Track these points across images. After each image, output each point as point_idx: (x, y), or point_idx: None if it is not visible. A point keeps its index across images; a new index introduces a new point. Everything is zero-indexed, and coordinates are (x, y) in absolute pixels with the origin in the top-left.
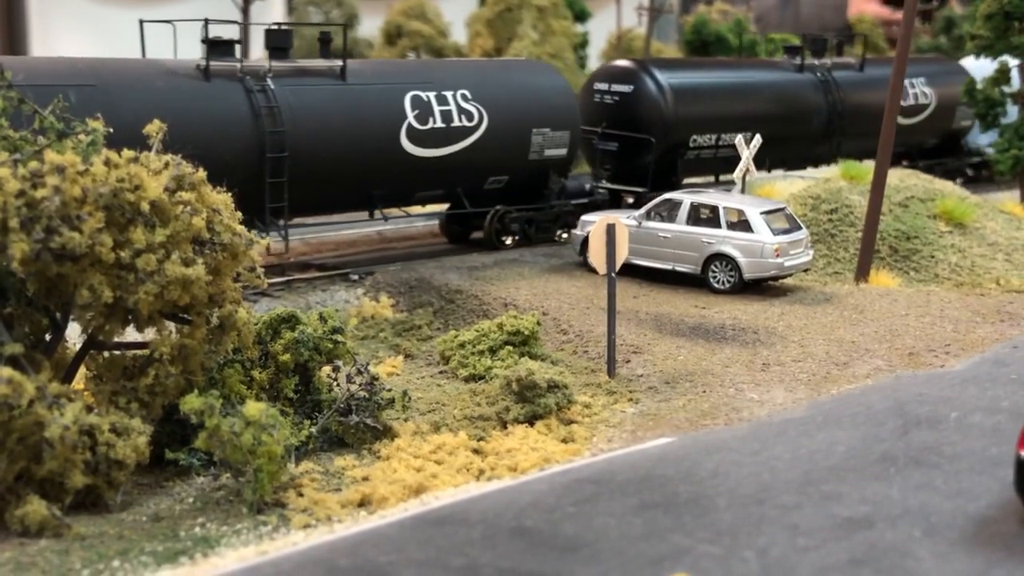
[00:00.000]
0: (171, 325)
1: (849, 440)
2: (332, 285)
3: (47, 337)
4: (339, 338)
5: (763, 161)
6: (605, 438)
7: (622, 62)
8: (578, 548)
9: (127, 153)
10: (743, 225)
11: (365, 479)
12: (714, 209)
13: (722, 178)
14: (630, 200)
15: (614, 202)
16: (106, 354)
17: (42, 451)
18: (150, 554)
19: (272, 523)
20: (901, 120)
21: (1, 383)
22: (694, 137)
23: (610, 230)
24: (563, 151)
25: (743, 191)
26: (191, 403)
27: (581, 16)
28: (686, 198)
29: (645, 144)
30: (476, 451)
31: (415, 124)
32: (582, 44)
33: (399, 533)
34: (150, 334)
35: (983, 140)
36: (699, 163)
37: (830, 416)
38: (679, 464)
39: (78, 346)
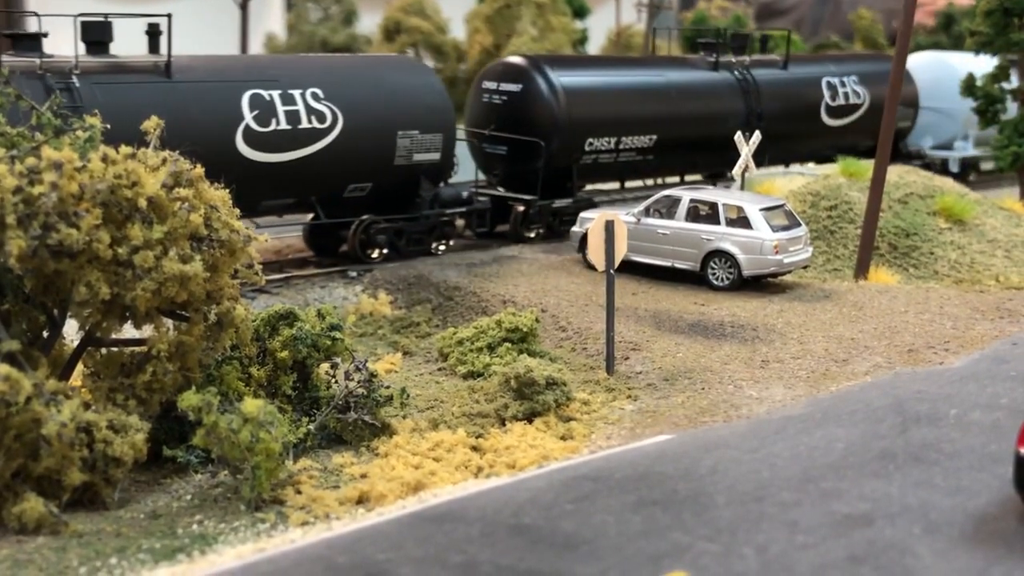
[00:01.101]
0: (169, 322)
1: (848, 437)
2: (330, 282)
3: (44, 334)
4: (337, 335)
5: (668, 168)
6: (604, 435)
7: (512, 58)
8: (577, 545)
9: (124, 149)
10: (742, 222)
11: (363, 476)
12: (713, 206)
13: (627, 185)
14: (520, 208)
15: (503, 211)
16: (103, 351)
17: (39, 448)
18: (148, 551)
19: (270, 520)
20: (828, 121)
21: None
22: (590, 141)
23: (609, 227)
24: (435, 156)
25: (742, 188)
26: (189, 400)
27: (580, 12)
28: (685, 195)
29: (535, 148)
30: (475, 448)
31: (254, 126)
32: (581, 40)
33: (397, 530)
34: (148, 331)
35: (926, 142)
36: (598, 169)
37: (829, 413)
38: (678, 461)
39: (75, 343)
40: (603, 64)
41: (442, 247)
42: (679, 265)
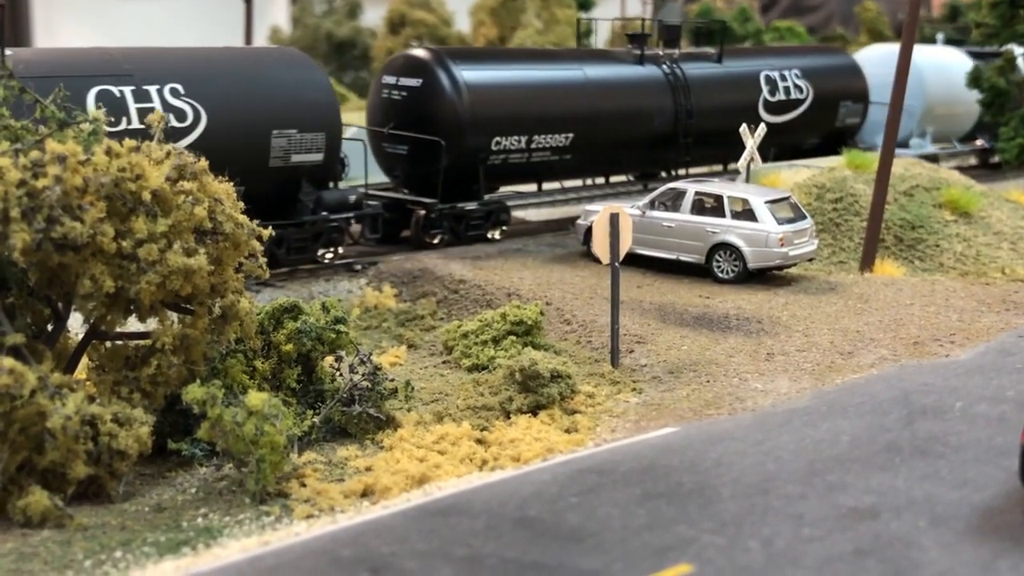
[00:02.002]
0: (173, 315)
1: (854, 430)
2: (335, 275)
3: (49, 327)
4: (342, 328)
5: (589, 169)
6: (608, 428)
7: (413, 51)
8: (581, 538)
9: (128, 142)
10: (747, 214)
11: (368, 469)
12: (718, 198)
13: (545, 186)
14: (421, 212)
15: (404, 216)
16: (108, 344)
17: (44, 441)
18: (152, 544)
19: (275, 513)
20: (767, 118)
21: (3, 373)
22: (498, 140)
23: (614, 219)
24: (317, 156)
25: (747, 180)
26: (193, 393)
27: (585, 5)
28: (690, 187)
29: (436, 147)
30: (479, 441)
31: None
32: (586, 33)
33: (402, 523)
34: (152, 324)
35: (880, 140)
36: (509, 170)
37: (835, 406)
38: (683, 454)
39: (80, 336)
40: (515, 58)
41: (329, 254)
42: (684, 258)
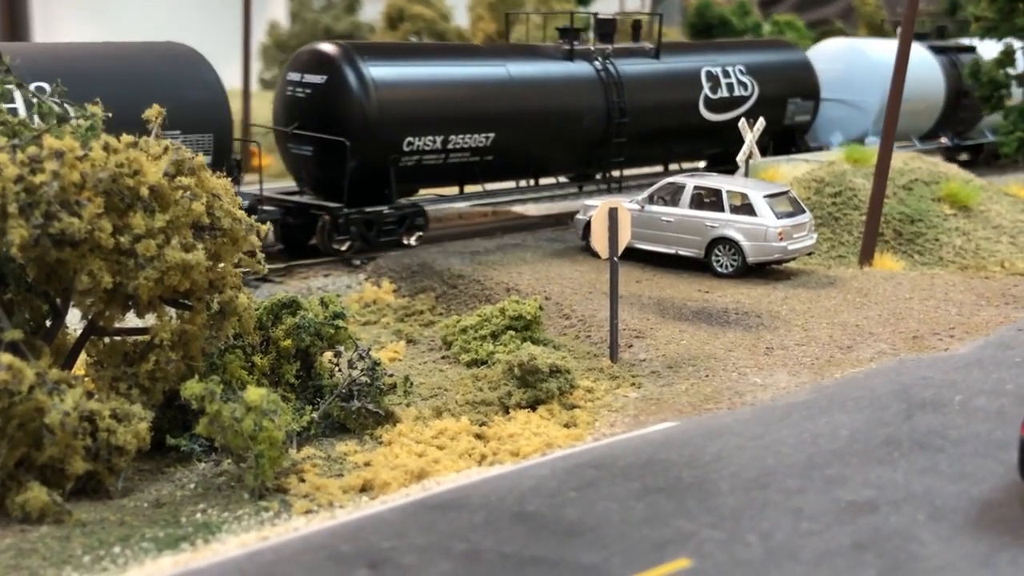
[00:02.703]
0: (171, 311)
1: (853, 424)
2: (334, 270)
3: (47, 323)
4: (340, 323)
5: (514, 170)
6: (607, 423)
7: (319, 45)
8: (580, 533)
9: (126, 138)
10: (746, 209)
11: (367, 464)
12: (717, 193)
13: (467, 189)
14: (326, 217)
15: (311, 222)
16: (106, 340)
17: (42, 437)
18: (151, 540)
19: (273, 509)
20: (709, 116)
21: (1, 369)
22: (409, 140)
23: (612, 214)
24: (205, 160)
25: (746, 174)
26: (192, 389)
27: (584, 0)
28: (689, 182)
29: (341, 148)
30: (478, 436)
31: None
32: (585, 28)
33: (401, 518)
34: (150, 320)
35: (835, 139)
36: (423, 172)
37: (834, 400)
38: (682, 448)
39: (78, 332)
40: (431, 54)
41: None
42: (683, 252)
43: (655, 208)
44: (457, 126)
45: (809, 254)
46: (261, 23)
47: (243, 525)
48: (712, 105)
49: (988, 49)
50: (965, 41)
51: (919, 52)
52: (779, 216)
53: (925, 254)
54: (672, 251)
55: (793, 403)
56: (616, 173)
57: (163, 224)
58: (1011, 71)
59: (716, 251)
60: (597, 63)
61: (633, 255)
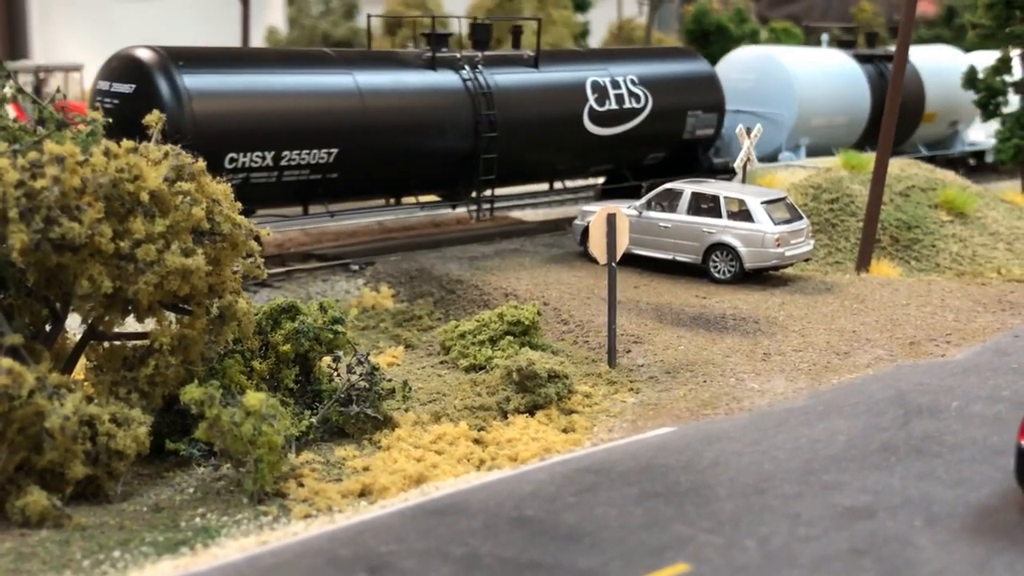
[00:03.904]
0: (171, 315)
1: (850, 430)
2: (332, 275)
3: (47, 328)
4: (339, 328)
5: (364, 189)
6: (606, 428)
7: (131, 50)
8: (579, 538)
9: (126, 143)
10: (744, 215)
11: (366, 469)
12: (715, 199)
13: (311, 209)
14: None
15: None
16: (106, 344)
17: (42, 441)
18: (151, 544)
19: (272, 513)
20: (594, 130)
21: (1, 373)
22: (232, 157)
23: (611, 220)
24: None
25: (744, 181)
26: (191, 393)
27: (582, 6)
28: (687, 188)
29: None
30: (477, 441)
31: None
32: (583, 34)
33: (400, 523)
34: (150, 324)
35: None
36: (253, 191)
37: (831, 406)
38: (680, 454)
39: (78, 336)
40: (262, 61)
41: None
42: (681, 258)
43: (653, 214)
44: (291, 141)
45: (806, 260)
46: (259, 29)
47: (242, 529)
48: (598, 118)
49: (919, 56)
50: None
51: (842, 61)
52: (776, 222)
53: (922, 260)
54: (670, 257)
55: (790, 409)
56: (489, 192)
57: (163, 229)
58: (1008, 78)
59: (714, 257)
60: (464, 72)
61: (631, 261)
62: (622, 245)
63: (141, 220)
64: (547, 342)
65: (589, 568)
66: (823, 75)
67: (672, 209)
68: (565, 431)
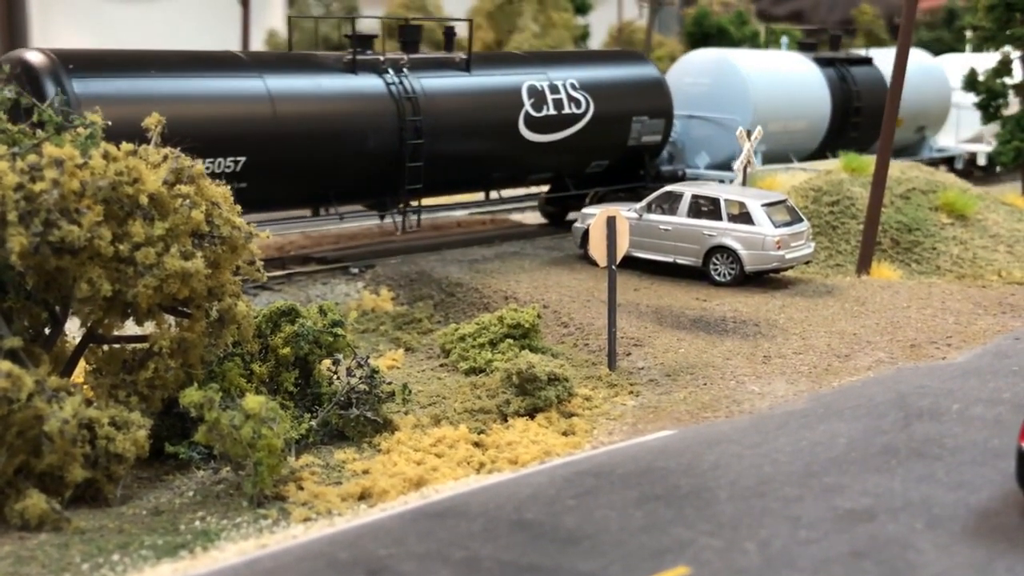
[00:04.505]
0: (170, 319)
1: (851, 432)
2: (332, 278)
3: (46, 331)
4: (339, 331)
5: (278, 199)
6: (606, 431)
7: (22, 53)
8: (579, 541)
9: (126, 146)
10: (744, 217)
11: (365, 472)
12: (715, 201)
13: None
14: None
15: None
16: (105, 348)
17: (41, 445)
18: (150, 548)
19: (272, 516)
20: (531, 137)
21: (0, 377)
22: None
23: (611, 222)
24: None
25: (744, 183)
26: (191, 397)
27: (582, 8)
28: (687, 190)
29: None
30: (476, 444)
31: None
32: (583, 37)
33: (399, 526)
34: (149, 328)
35: (701, 160)
36: None
37: (831, 408)
38: (680, 457)
39: (77, 340)
40: (166, 65)
41: None
42: (681, 261)
43: (653, 216)
44: (193, 149)
45: (807, 263)
46: (259, 31)
47: (242, 533)
48: (535, 124)
49: (885, 59)
50: (863, 52)
51: (801, 64)
52: (777, 225)
53: (922, 263)
54: (670, 259)
55: (791, 411)
56: (416, 202)
57: (162, 232)
58: (1008, 80)
59: (714, 259)
60: (388, 76)
61: (631, 264)
62: (622, 248)
63: (140, 223)
64: (547, 345)
65: (589, 571)
66: (780, 79)
67: (672, 212)
68: (565, 434)
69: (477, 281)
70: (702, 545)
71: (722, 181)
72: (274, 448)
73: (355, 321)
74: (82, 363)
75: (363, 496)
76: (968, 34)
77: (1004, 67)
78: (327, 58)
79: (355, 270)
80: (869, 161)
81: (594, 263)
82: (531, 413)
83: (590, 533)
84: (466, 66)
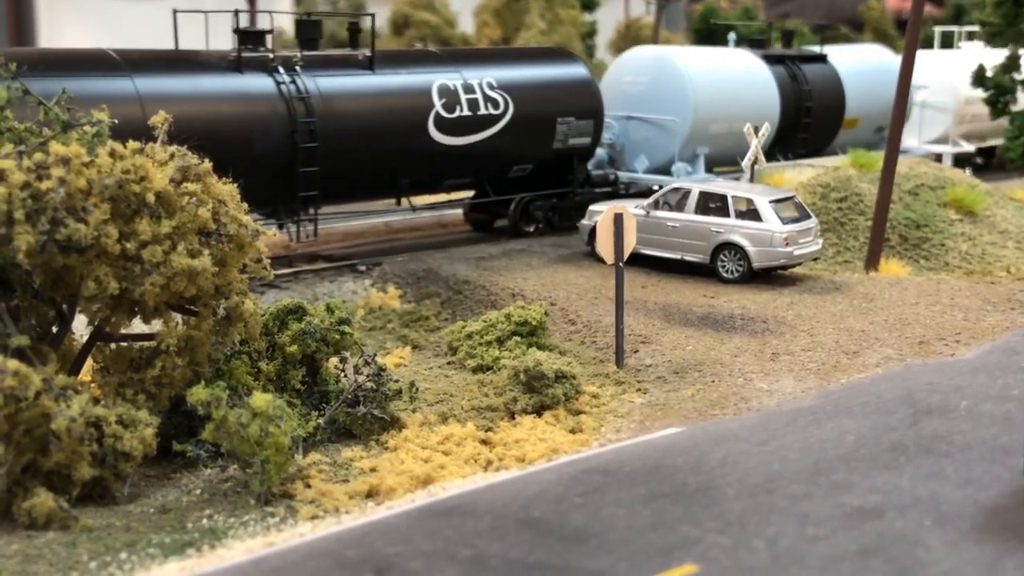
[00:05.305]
0: (178, 317)
1: (859, 429)
2: (340, 276)
3: (54, 329)
4: (346, 329)
5: None
6: (613, 428)
7: None
8: (586, 539)
9: (132, 144)
10: (752, 214)
11: (372, 470)
12: (723, 198)
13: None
14: None
15: None
16: (113, 346)
17: (49, 443)
18: (157, 546)
19: (279, 514)
20: (442, 140)
21: (7, 375)
22: None
23: (618, 219)
24: None
25: (752, 180)
26: (198, 395)
27: (589, 5)
28: (695, 187)
29: None
30: (484, 442)
31: None
32: (590, 33)
33: (406, 524)
34: (157, 326)
35: (640, 164)
36: None
37: (840, 405)
38: (688, 454)
39: (85, 338)
40: (23, 63)
41: None
42: (689, 258)
43: (660, 213)
44: None
45: (815, 259)
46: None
47: (249, 531)
48: (447, 126)
49: (842, 56)
50: (816, 49)
51: (748, 62)
52: (785, 221)
53: (931, 259)
54: (678, 256)
55: (799, 409)
56: (313, 210)
57: (169, 230)
58: (1016, 76)
59: (722, 256)
60: (279, 75)
61: (639, 261)
62: (629, 245)
63: (147, 221)
64: (554, 342)
65: (596, 569)
66: (724, 77)
67: (680, 208)
68: (572, 432)
69: (484, 279)
70: (710, 543)
71: (659, 187)
72: (281, 446)
73: (362, 319)
74: (89, 361)
75: (370, 494)
76: (961, 30)
77: (1012, 63)
78: (211, 56)
79: (362, 268)
80: (877, 157)
81: (601, 260)
82: (538, 411)
83: (597, 531)
84: (369, 64)
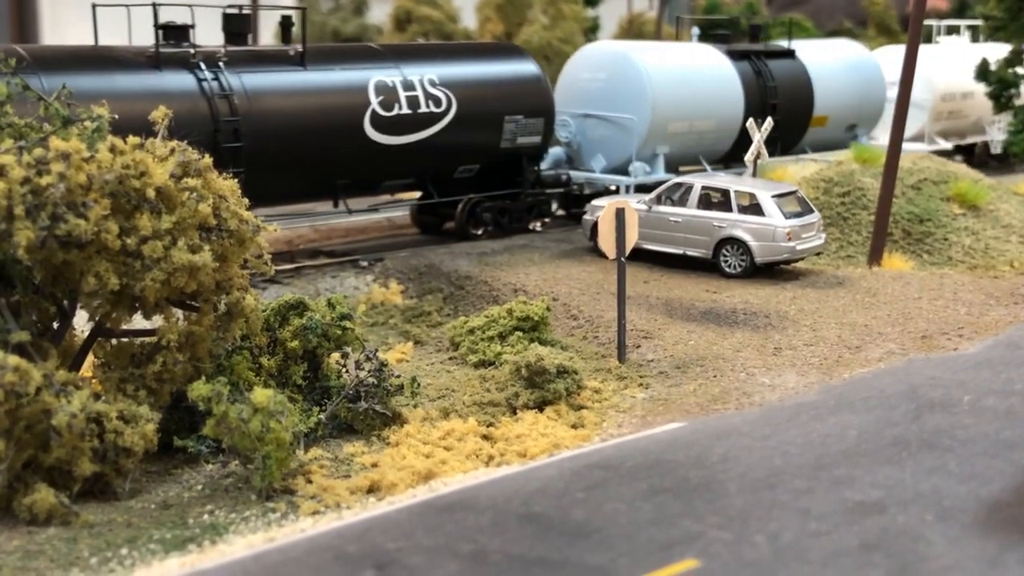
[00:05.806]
0: (178, 312)
1: (861, 424)
2: (341, 271)
3: (54, 325)
4: (348, 324)
5: None
6: (615, 423)
7: None
8: (588, 534)
9: (132, 139)
10: (755, 209)
11: (374, 465)
12: (725, 193)
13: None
14: None
15: None
16: (113, 341)
17: (50, 439)
18: (158, 541)
19: (281, 510)
20: (381, 139)
21: (8, 371)
22: None
23: (620, 214)
24: None
25: (754, 175)
26: (199, 390)
27: (592, 0)
28: (697, 182)
29: None
30: (485, 437)
31: None
32: (593, 29)
33: (408, 519)
34: (158, 321)
35: (597, 164)
36: None
37: (842, 400)
38: (689, 449)
39: (86, 334)
40: None
41: None
42: (691, 253)
43: (663, 208)
44: None
45: (818, 254)
46: (270, 25)
47: (250, 526)
48: (384, 125)
49: (811, 52)
50: (783, 43)
51: (711, 58)
52: (787, 216)
53: (934, 254)
54: (680, 251)
55: (801, 403)
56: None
57: (169, 225)
58: (1020, 70)
59: (724, 251)
60: (201, 72)
61: (641, 256)
62: (632, 240)
63: (147, 216)
64: (556, 337)
65: (598, 564)
66: (685, 74)
67: (682, 203)
68: (574, 427)
69: (486, 274)
70: (711, 538)
71: (616, 189)
72: (283, 441)
73: (364, 314)
74: (90, 357)
75: (371, 489)
76: (956, 24)
77: (1016, 57)
78: (127, 52)
79: (364, 263)
80: (880, 152)
81: (603, 255)
82: (540, 406)
83: (599, 526)
84: (301, 60)
